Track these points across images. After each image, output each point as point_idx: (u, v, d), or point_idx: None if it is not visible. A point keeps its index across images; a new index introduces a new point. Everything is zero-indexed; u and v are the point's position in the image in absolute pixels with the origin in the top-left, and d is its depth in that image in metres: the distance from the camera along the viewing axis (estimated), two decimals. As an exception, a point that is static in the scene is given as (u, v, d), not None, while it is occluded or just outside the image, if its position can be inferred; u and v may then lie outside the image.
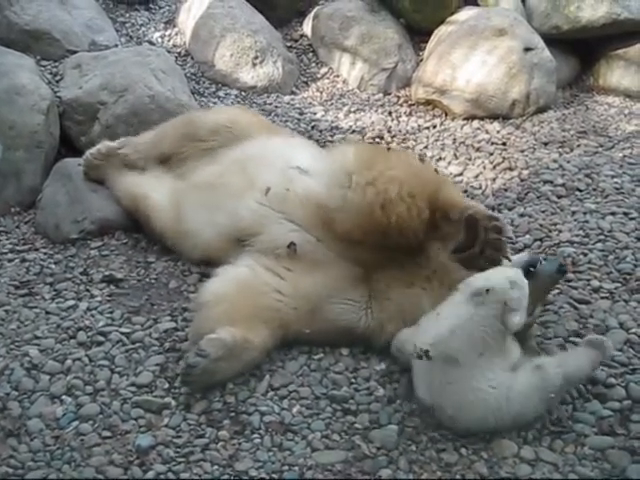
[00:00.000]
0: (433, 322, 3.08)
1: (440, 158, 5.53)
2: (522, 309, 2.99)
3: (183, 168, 4.34)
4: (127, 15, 6.82)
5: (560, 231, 4.35)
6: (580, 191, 4.87)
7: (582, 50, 7.24)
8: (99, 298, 3.90)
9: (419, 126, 6.09)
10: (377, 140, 5.74)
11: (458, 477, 2.80)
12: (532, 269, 3.24)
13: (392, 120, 6.16)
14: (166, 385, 3.28)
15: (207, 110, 4.82)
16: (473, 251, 3.28)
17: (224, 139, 4.30)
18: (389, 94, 6.75)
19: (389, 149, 3.71)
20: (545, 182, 5.03)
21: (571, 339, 3.44)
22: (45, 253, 4.36)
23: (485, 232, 3.23)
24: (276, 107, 6.19)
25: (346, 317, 3.48)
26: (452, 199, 3.44)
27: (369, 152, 3.74)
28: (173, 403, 3.18)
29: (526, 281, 3.07)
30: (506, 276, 3.06)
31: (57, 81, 5.47)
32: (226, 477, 2.84)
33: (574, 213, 4.56)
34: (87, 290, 3.98)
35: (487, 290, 2.98)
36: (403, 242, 3.40)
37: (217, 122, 4.40)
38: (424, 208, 3.36)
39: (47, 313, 3.78)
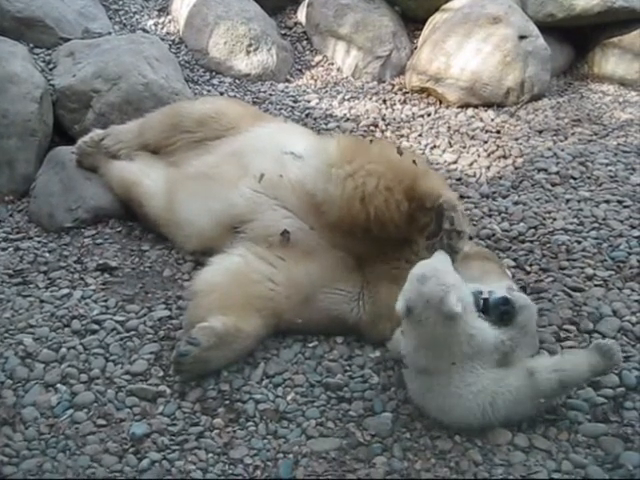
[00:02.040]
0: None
1: (434, 146, 5.53)
2: (450, 288, 2.81)
3: (175, 157, 4.33)
4: (120, 2, 6.79)
5: (554, 219, 4.36)
6: (574, 179, 4.88)
7: (577, 38, 7.24)
8: (93, 286, 3.90)
9: (413, 114, 6.08)
10: (371, 128, 5.73)
11: (452, 464, 2.81)
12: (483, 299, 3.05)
13: (386, 108, 6.15)
14: (161, 373, 3.28)
15: (193, 101, 4.79)
16: (436, 240, 3.22)
17: (210, 130, 4.28)
18: (383, 82, 6.73)
19: (371, 141, 3.68)
20: (539, 170, 5.04)
21: (565, 327, 3.46)
22: (39, 242, 4.35)
23: (447, 221, 3.20)
24: (270, 95, 6.18)
25: (338, 307, 3.48)
26: (429, 189, 3.39)
27: (350, 145, 3.71)
28: (168, 391, 3.18)
29: (442, 259, 2.98)
30: (412, 284, 2.88)
31: (50, 69, 5.44)
32: (221, 465, 2.85)
33: (568, 201, 4.57)
34: (81, 278, 3.98)
35: (408, 311, 2.85)
36: (385, 234, 3.41)
37: (203, 113, 4.38)
38: (402, 200, 3.35)
39: (41, 302, 3.78)
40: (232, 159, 3.98)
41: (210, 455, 2.89)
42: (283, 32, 7.14)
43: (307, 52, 7.01)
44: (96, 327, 3.56)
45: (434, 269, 2.89)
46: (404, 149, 3.65)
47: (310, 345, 3.44)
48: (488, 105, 6.26)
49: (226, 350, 3.24)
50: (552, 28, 6.96)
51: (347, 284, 3.50)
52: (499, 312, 2.99)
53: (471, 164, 5.26)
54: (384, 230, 3.39)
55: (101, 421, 3.04)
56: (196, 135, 4.30)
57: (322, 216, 3.53)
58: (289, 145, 3.88)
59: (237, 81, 6.37)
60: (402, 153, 3.56)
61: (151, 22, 6.72)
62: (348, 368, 3.33)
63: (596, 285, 3.75)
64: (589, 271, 3.85)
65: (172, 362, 3.24)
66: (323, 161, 3.61)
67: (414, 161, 3.54)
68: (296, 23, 7.28)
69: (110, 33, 6.13)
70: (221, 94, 6.06)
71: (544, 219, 4.37)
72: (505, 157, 5.33)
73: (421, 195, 3.36)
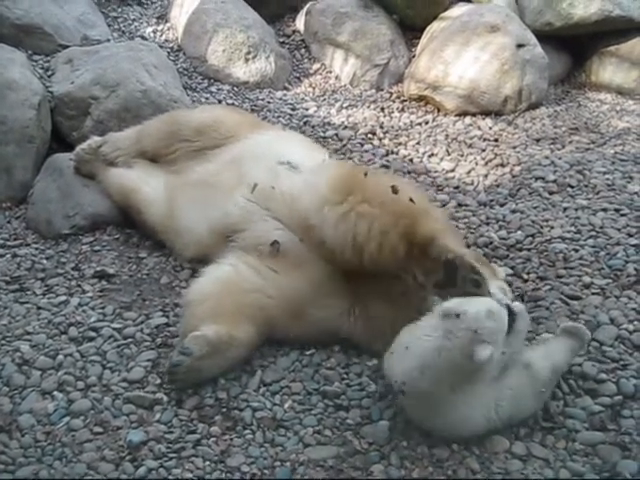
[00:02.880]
0: (402, 356, 2.94)
1: (432, 154, 5.53)
2: (495, 343, 2.78)
3: (174, 165, 4.33)
4: (119, 10, 6.80)
5: (552, 227, 4.36)
6: (572, 187, 4.88)
7: (574, 47, 7.26)
8: (91, 294, 3.89)
9: (411, 122, 6.09)
10: (369, 136, 5.73)
11: (450, 473, 2.81)
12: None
13: (384, 116, 6.16)
14: (158, 381, 3.28)
15: (192, 109, 4.78)
16: (454, 289, 3.13)
17: (209, 138, 4.28)
18: (381, 90, 6.75)
19: (366, 174, 3.57)
20: (537, 178, 5.04)
21: (562, 335, 3.45)
22: (36, 248, 4.35)
23: (463, 279, 3.10)
24: (268, 103, 6.18)
25: (328, 321, 3.46)
26: (430, 234, 3.25)
27: (342, 180, 3.53)
28: (165, 399, 3.18)
29: (506, 317, 2.88)
30: (484, 304, 2.88)
31: (49, 76, 5.45)
32: (218, 473, 2.84)
33: (566, 209, 4.57)
34: (79, 285, 3.97)
35: (458, 314, 2.81)
36: (378, 272, 3.35)
37: (201, 122, 4.38)
38: (398, 245, 3.23)
39: (38, 308, 3.77)
40: (231, 166, 3.99)
41: (207, 463, 2.89)
42: (281, 40, 7.16)
43: (305, 60, 7.02)
44: (93, 334, 3.55)
45: (500, 320, 2.86)
46: (401, 184, 3.49)
47: (307, 353, 3.44)
48: (486, 113, 6.27)
49: (220, 358, 3.23)
50: (550, 37, 6.99)
51: (336, 298, 3.46)
52: None
53: (469, 172, 5.26)
54: (376, 269, 3.32)
55: (98, 429, 3.03)
56: (195, 144, 4.31)
57: (313, 236, 3.48)
58: (285, 154, 3.89)
59: (235, 89, 6.37)
60: (398, 191, 3.40)
61: (150, 29, 6.73)
62: (345, 376, 3.32)
63: (593, 293, 3.75)
64: (586, 279, 3.84)
65: (165, 372, 3.24)
66: (315, 196, 3.49)
67: (411, 199, 3.40)
68: (294, 31, 7.30)
69: (109, 40, 6.13)
70: (219, 102, 6.06)
71: (541, 227, 4.37)
72: (503, 165, 5.33)
73: (422, 240, 3.24)
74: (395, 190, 3.40)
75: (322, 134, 5.68)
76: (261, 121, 5.02)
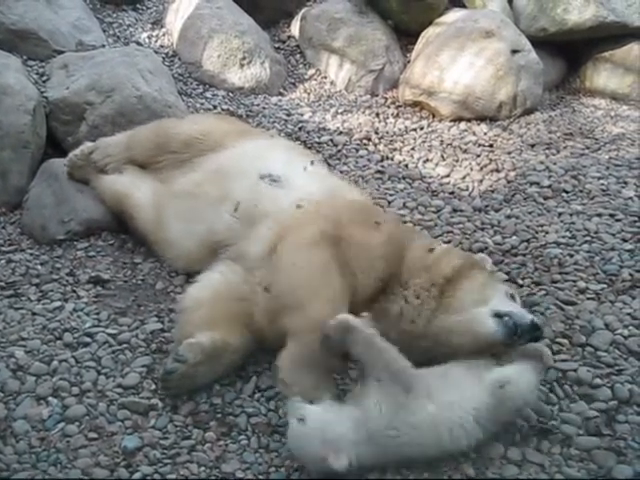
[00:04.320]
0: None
1: (427, 159, 5.55)
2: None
3: (162, 174, 4.32)
4: (114, 15, 6.79)
5: (547, 232, 4.37)
6: (566, 192, 4.90)
7: (569, 52, 7.29)
8: (85, 299, 3.89)
9: (406, 127, 6.10)
10: (364, 141, 5.74)
11: (445, 478, 2.81)
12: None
13: (379, 121, 6.17)
14: (153, 386, 3.27)
15: (181, 120, 4.72)
16: None
17: (197, 150, 4.26)
18: (376, 95, 6.76)
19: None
20: (532, 184, 5.06)
21: (558, 340, 3.46)
22: (31, 254, 4.34)
23: None
24: (263, 108, 6.19)
25: None
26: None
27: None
28: (160, 404, 3.17)
29: None
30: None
31: (44, 81, 5.44)
32: (213, 478, 2.84)
33: (560, 214, 4.58)
34: (73, 291, 3.97)
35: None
36: None
37: (189, 135, 4.35)
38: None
39: (33, 314, 3.76)
40: (215, 178, 3.98)
41: (202, 469, 2.88)
42: (277, 46, 7.16)
43: (300, 65, 7.03)
44: (88, 340, 3.54)
45: None
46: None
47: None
48: (481, 119, 6.29)
49: (214, 364, 3.23)
50: (544, 42, 7.02)
51: None
52: (530, 338, 3.07)
53: (464, 178, 5.27)
54: None
55: (93, 434, 3.03)
56: (183, 156, 4.29)
57: None
58: (268, 165, 3.89)
59: (230, 94, 6.37)
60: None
61: (145, 35, 6.73)
62: (341, 381, 3.31)
63: (588, 298, 3.75)
64: (581, 284, 3.85)
65: (159, 379, 3.23)
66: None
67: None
68: (289, 37, 7.31)
69: (104, 46, 6.14)
70: (214, 107, 6.06)
71: (536, 232, 4.38)
72: (498, 171, 5.35)
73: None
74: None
75: (317, 140, 5.68)
76: (249, 128, 4.95)
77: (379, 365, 2.88)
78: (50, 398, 3.20)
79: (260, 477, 2.84)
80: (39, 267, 4.20)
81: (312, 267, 3.29)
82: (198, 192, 3.97)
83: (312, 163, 4.05)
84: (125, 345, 3.52)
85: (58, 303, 3.85)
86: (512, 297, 3.30)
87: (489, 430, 2.88)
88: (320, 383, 3.07)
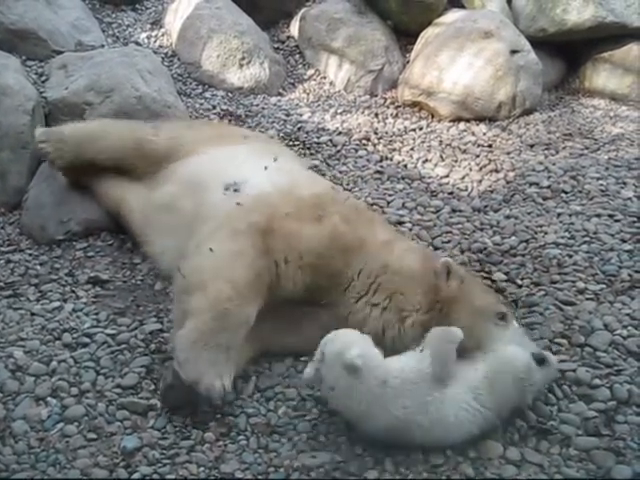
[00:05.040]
0: None
1: (426, 160, 5.54)
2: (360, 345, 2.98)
3: (142, 178, 4.32)
4: (113, 15, 6.79)
5: (546, 233, 4.37)
6: (566, 193, 4.90)
7: (568, 53, 7.29)
8: (84, 299, 3.89)
9: (405, 128, 6.10)
10: (363, 142, 5.74)
11: (444, 478, 2.81)
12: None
13: (378, 122, 6.17)
14: (152, 387, 3.27)
15: (156, 136, 4.57)
16: None
17: (173, 158, 4.24)
18: (376, 96, 6.76)
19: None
20: (531, 184, 5.06)
21: (557, 340, 3.46)
22: (30, 254, 4.34)
23: None
24: (263, 108, 6.18)
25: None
26: None
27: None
28: (159, 405, 3.17)
29: None
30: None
31: (43, 81, 5.45)
32: (212, 479, 2.84)
33: (560, 215, 4.59)
34: (72, 291, 3.97)
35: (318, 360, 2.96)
36: None
37: (168, 146, 4.31)
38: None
39: (32, 314, 3.76)
40: (188, 191, 3.94)
41: (201, 469, 2.88)
42: (276, 46, 7.16)
43: (300, 66, 7.03)
44: (87, 340, 3.55)
45: None
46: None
47: (302, 359, 3.42)
48: (480, 119, 6.29)
49: None
50: (544, 43, 7.01)
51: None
52: None
53: (463, 178, 5.27)
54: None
55: (92, 435, 3.03)
56: (159, 165, 4.27)
57: None
58: (231, 175, 3.84)
59: (230, 94, 6.37)
60: None
61: (144, 35, 6.73)
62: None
63: (587, 299, 3.76)
64: (580, 285, 3.85)
65: (160, 394, 3.19)
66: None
67: None
68: (289, 37, 7.30)
69: (103, 46, 6.14)
70: (213, 107, 6.06)
71: (535, 233, 4.39)
72: (497, 171, 5.34)
73: None
74: None
75: (316, 140, 5.68)
76: (223, 132, 4.76)
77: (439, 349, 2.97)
78: (49, 398, 3.21)
79: (259, 477, 2.84)
80: (38, 267, 4.20)
81: (224, 252, 3.33)
82: (175, 206, 3.96)
83: (275, 160, 3.99)
84: (124, 345, 3.52)
85: (57, 303, 3.85)
86: None
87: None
88: (219, 361, 3.09)
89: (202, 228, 3.59)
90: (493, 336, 3.20)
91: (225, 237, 3.41)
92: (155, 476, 2.84)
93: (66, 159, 4.45)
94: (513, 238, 4.34)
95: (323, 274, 3.42)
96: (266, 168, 3.89)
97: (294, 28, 7.28)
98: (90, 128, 4.57)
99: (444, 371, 2.91)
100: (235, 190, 3.75)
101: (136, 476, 2.84)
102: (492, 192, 5.04)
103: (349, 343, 2.95)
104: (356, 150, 5.59)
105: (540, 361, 3.04)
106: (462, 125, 6.19)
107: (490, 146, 5.78)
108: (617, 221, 4.46)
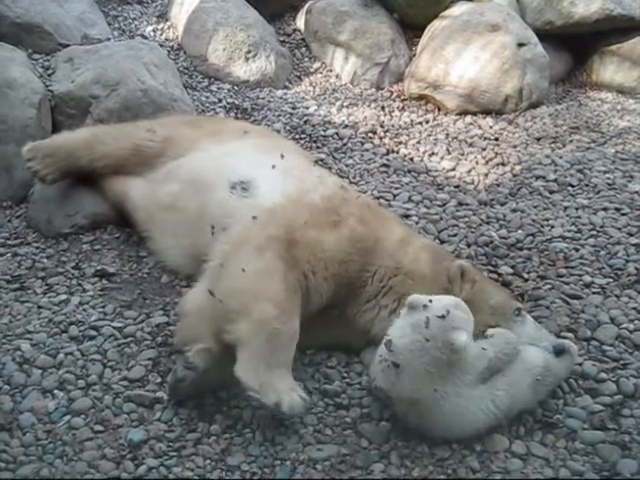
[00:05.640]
0: (380, 365, 2.97)
1: (433, 153, 5.53)
2: (468, 330, 2.86)
3: (144, 174, 4.30)
4: (119, 9, 6.79)
5: (552, 226, 4.37)
6: (572, 186, 4.89)
7: (575, 46, 7.26)
8: (91, 292, 3.89)
9: (412, 121, 6.09)
10: (370, 135, 5.73)
11: (449, 472, 2.82)
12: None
13: (385, 115, 6.16)
14: (158, 379, 3.28)
15: (150, 134, 4.55)
16: None
17: (171, 155, 4.22)
18: (382, 89, 6.74)
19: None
20: (537, 177, 5.05)
21: (563, 334, 3.46)
22: (37, 247, 4.35)
23: None
24: (269, 101, 6.18)
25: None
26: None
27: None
28: (165, 397, 3.18)
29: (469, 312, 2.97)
30: (450, 298, 3.00)
31: (49, 75, 5.44)
32: (218, 471, 2.85)
33: (566, 208, 4.58)
34: (79, 284, 3.97)
35: (424, 305, 2.90)
36: None
37: (161, 147, 4.29)
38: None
39: (39, 307, 3.77)
40: (191, 190, 3.92)
41: (207, 462, 2.89)
42: (282, 39, 7.15)
43: (306, 59, 7.02)
44: (94, 333, 3.56)
45: (468, 311, 2.97)
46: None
47: (308, 352, 3.44)
48: (486, 112, 6.28)
49: (223, 371, 3.17)
50: (550, 36, 6.99)
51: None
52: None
53: (469, 171, 5.26)
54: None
55: (98, 427, 3.04)
56: (161, 162, 4.26)
57: None
58: (237, 172, 3.83)
59: (235, 87, 6.36)
60: None
61: (150, 28, 6.72)
62: (346, 375, 3.33)
63: (594, 293, 3.76)
64: (587, 278, 3.85)
65: (168, 387, 3.19)
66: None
67: None
68: (295, 30, 7.29)
69: (109, 39, 6.14)
70: (219, 100, 6.05)
71: (542, 226, 4.38)
72: (503, 164, 5.34)
73: None
74: None
75: (322, 133, 5.67)
76: (222, 128, 4.59)
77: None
78: (56, 391, 3.22)
79: (265, 470, 2.85)
80: (45, 260, 4.21)
81: (254, 270, 3.26)
82: (179, 206, 3.94)
83: (282, 157, 3.94)
84: (131, 338, 3.53)
85: (64, 296, 3.86)
86: None
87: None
88: (285, 376, 3.06)
89: (218, 244, 3.53)
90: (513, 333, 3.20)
91: (250, 255, 3.33)
92: (161, 468, 2.85)
93: (59, 169, 4.40)
94: (519, 232, 4.34)
95: (344, 283, 3.42)
96: (274, 167, 3.85)
97: (300, 21, 7.27)
98: (82, 137, 4.49)
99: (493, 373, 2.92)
100: (243, 189, 3.74)
101: (142, 468, 2.85)
102: (498, 185, 5.03)
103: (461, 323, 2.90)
104: (362, 143, 5.58)
105: (559, 352, 3.05)
106: (468, 118, 6.18)
107: (497, 139, 5.77)
108: (624, 215, 4.45)
